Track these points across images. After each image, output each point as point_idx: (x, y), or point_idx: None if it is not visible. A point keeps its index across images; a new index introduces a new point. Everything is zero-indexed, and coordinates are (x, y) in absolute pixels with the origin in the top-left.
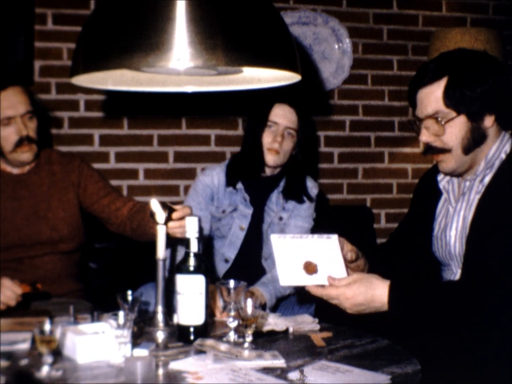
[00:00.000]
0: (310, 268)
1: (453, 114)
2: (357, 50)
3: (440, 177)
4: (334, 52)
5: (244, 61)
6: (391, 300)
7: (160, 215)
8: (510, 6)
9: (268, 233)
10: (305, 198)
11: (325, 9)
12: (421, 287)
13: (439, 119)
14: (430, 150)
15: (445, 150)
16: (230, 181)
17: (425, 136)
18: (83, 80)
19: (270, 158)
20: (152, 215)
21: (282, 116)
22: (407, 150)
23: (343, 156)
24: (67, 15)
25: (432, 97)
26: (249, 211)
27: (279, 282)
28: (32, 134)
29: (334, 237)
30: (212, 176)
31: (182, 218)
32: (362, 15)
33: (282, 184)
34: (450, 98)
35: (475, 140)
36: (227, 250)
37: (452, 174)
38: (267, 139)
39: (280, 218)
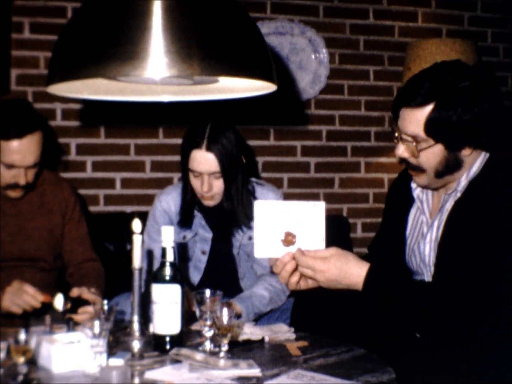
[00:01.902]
0: (288, 240)
1: (431, 142)
2: (334, 60)
3: (414, 185)
4: (311, 62)
5: (220, 70)
6: (367, 280)
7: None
8: (485, 17)
9: (240, 256)
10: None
11: (302, 20)
12: (398, 278)
13: (415, 144)
14: (405, 164)
15: (418, 169)
16: (185, 222)
17: (401, 151)
18: (59, 89)
19: (206, 202)
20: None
21: (201, 163)
22: (383, 160)
23: (319, 166)
24: (44, 24)
25: (414, 120)
26: (208, 235)
27: (254, 254)
28: (30, 181)
29: (320, 205)
30: (168, 202)
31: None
32: (339, 26)
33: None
34: (432, 127)
35: (448, 167)
36: (191, 274)
37: (426, 188)
38: (196, 184)
39: (250, 238)
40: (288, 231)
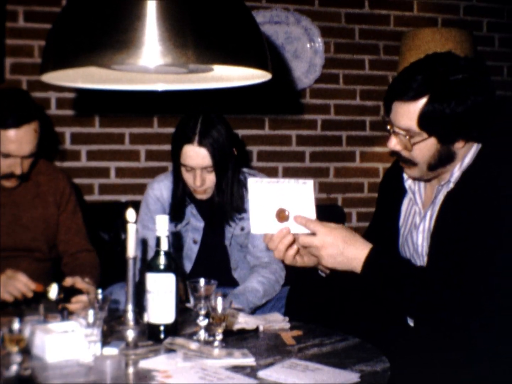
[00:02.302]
0: (282, 215)
1: (425, 135)
2: (329, 49)
3: (406, 175)
4: (306, 51)
5: (215, 59)
6: (369, 260)
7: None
8: (481, 7)
9: (233, 246)
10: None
11: (297, 8)
12: (400, 261)
13: (408, 137)
14: (397, 156)
15: (410, 162)
16: (176, 217)
17: (393, 144)
18: (53, 77)
19: (198, 196)
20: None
21: (193, 158)
22: (378, 149)
23: (314, 155)
24: (38, 13)
25: (407, 114)
26: (200, 224)
27: (251, 230)
28: (25, 171)
29: (310, 183)
30: (161, 190)
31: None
32: (334, 15)
33: None
34: (425, 120)
35: (441, 160)
36: (182, 263)
37: (418, 180)
38: (188, 179)
39: (242, 228)
40: (281, 208)
